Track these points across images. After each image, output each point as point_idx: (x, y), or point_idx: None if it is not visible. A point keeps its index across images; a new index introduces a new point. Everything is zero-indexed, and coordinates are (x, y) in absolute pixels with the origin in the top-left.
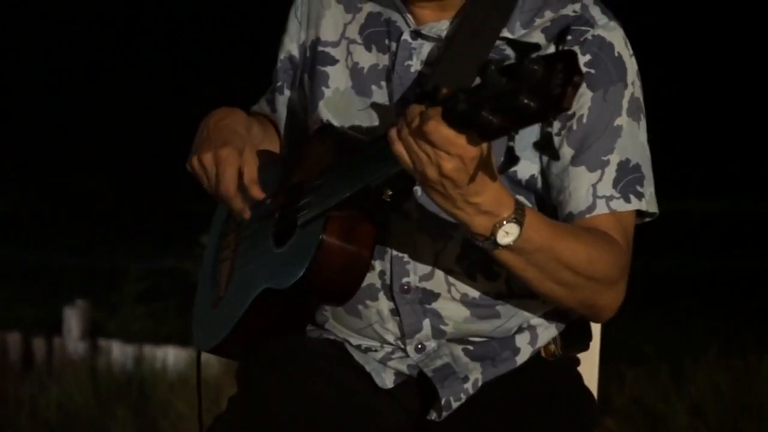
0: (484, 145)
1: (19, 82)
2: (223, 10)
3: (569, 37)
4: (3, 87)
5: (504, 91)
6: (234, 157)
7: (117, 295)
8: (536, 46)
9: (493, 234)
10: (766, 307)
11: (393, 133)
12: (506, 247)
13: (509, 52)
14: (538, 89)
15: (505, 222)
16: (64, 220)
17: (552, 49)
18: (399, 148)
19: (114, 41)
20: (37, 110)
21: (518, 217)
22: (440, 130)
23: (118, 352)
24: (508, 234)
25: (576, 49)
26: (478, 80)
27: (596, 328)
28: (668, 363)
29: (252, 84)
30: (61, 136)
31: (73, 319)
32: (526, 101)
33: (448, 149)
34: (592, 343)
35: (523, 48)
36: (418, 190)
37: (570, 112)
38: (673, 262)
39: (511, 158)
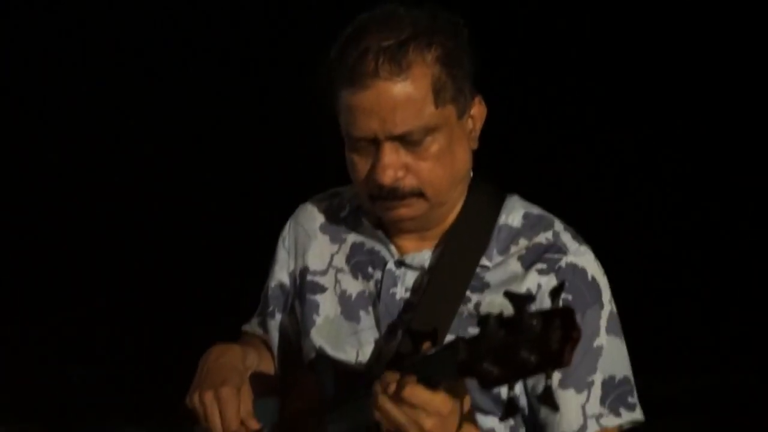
0: (466, 399)
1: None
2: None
3: (543, 265)
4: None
5: (504, 344)
6: (234, 395)
7: None
8: (531, 298)
9: None
10: None
11: (371, 405)
12: None
13: (489, 278)
14: (537, 344)
15: None
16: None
17: (532, 280)
18: (378, 416)
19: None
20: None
21: None
22: (417, 394)
23: None
24: None
25: (552, 276)
26: (477, 330)
27: None
28: None
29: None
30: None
31: None
32: (526, 355)
33: (426, 408)
34: None
35: (518, 300)
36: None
37: None
38: None
39: (512, 408)
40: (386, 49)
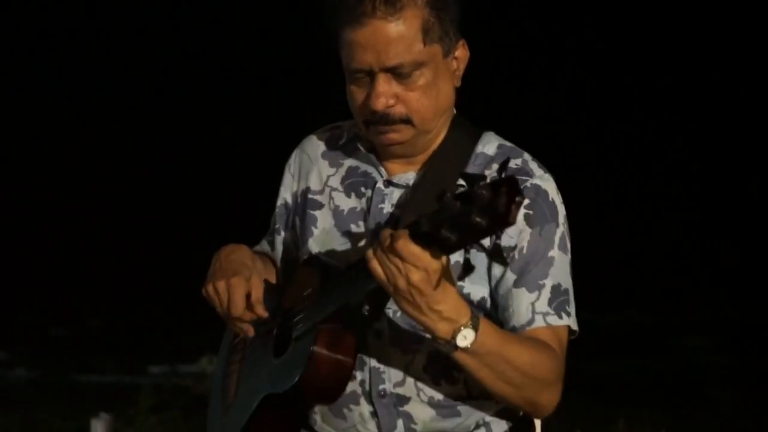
0: (444, 259)
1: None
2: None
3: None
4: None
5: (459, 213)
6: (243, 283)
7: (134, 408)
8: (483, 177)
9: (453, 338)
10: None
11: (369, 252)
12: (464, 349)
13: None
14: (487, 209)
15: (462, 328)
16: (90, 346)
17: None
18: (374, 265)
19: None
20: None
21: (474, 324)
22: (408, 247)
23: None
24: (465, 338)
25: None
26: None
27: (539, 423)
28: None
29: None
30: (84, 274)
31: (99, 429)
32: (478, 219)
33: (415, 263)
34: None
35: (472, 178)
36: (390, 312)
37: (513, 244)
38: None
39: (468, 267)
40: None
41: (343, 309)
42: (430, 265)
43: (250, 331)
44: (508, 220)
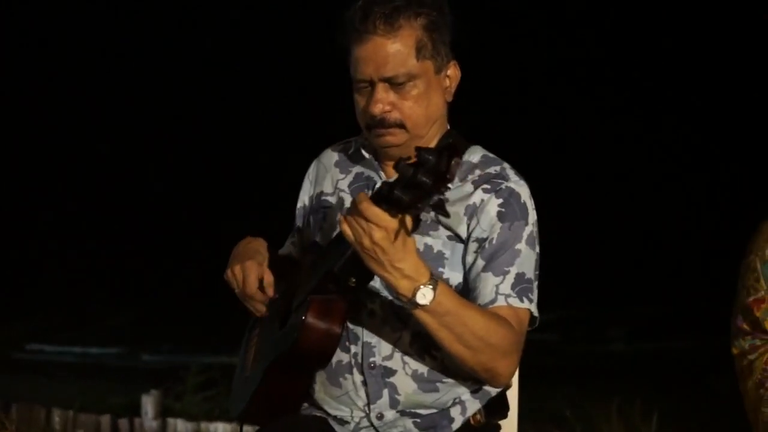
0: (408, 220)
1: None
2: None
3: (488, 186)
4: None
5: (409, 176)
6: (255, 267)
7: (182, 386)
8: (431, 150)
9: (414, 295)
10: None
11: (340, 216)
12: (423, 307)
13: (449, 195)
14: (431, 170)
15: (422, 286)
16: (141, 329)
17: (477, 196)
18: (345, 227)
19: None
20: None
21: (433, 285)
22: (370, 209)
23: (182, 428)
24: (424, 296)
25: (493, 194)
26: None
27: (513, 401)
28: (581, 422)
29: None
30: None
31: (149, 404)
32: (423, 179)
33: (377, 222)
34: (510, 412)
35: (421, 149)
36: (382, 295)
37: (485, 236)
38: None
39: (417, 223)
40: (383, 14)
41: (331, 279)
42: (389, 224)
43: (262, 310)
44: (447, 178)
